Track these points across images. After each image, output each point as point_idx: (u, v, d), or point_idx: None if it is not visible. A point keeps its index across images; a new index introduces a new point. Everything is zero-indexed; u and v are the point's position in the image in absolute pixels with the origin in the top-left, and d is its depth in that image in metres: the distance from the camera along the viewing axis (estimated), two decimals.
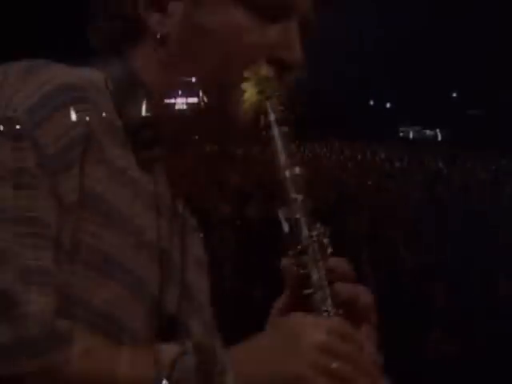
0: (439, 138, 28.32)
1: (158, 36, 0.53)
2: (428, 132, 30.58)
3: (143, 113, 0.53)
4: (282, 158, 0.51)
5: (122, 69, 0.54)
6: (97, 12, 0.56)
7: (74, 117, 0.46)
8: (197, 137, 0.58)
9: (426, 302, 2.88)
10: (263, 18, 0.53)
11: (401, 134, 30.48)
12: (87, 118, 0.47)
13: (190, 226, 0.65)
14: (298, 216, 0.50)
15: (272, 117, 0.52)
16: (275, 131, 0.52)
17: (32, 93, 0.45)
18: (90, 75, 0.52)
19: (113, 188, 0.49)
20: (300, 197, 0.50)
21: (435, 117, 28.29)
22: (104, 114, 0.50)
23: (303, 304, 0.48)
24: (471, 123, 25.44)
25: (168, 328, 0.54)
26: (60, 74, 0.49)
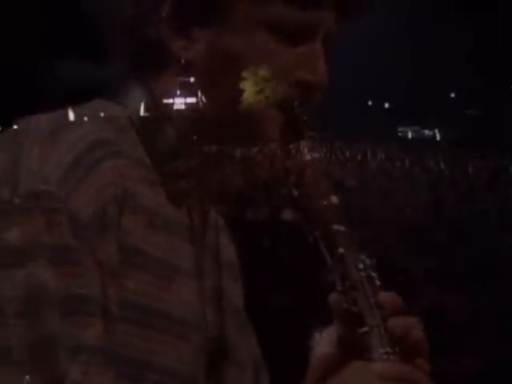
0: (438, 138, 28.34)
1: (183, 61, 0.53)
2: (427, 132, 30.58)
3: (171, 146, 0.53)
4: (318, 187, 0.51)
5: (147, 101, 0.54)
6: (119, 36, 0.55)
7: (105, 177, 0.46)
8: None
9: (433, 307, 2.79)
10: (289, 41, 0.53)
11: (399, 134, 30.52)
12: (119, 174, 0.47)
13: (221, 228, 0.66)
14: (342, 250, 0.49)
15: (304, 146, 0.52)
16: (308, 159, 0.52)
17: (59, 161, 0.44)
18: (112, 117, 0.52)
19: (147, 235, 0.49)
20: (341, 227, 0.49)
21: (434, 117, 28.28)
22: (133, 159, 0.49)
23: (356, 341, 0.48)
24: (469, 123, 25.46)
25: (214, 351, 0.55)
26: (84, 132, 0.48)
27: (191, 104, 0.52)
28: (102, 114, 0.53)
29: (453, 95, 33.18)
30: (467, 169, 9.58)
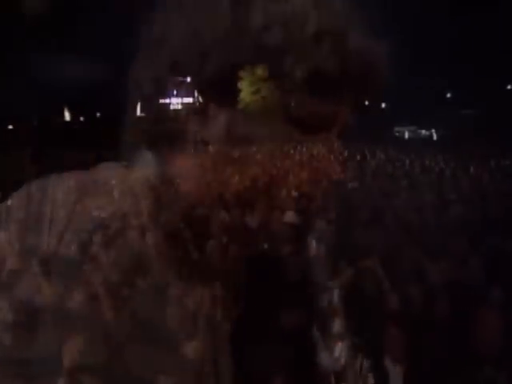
0: (434, 138, 28.47)
1: (198, 138, 0.54)
2: (423, 132, 30.70)
3: (182, 217, 0.55)
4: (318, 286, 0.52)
5: (163, 174, 0.56)
6: (135, 112, 0.57)
7: (121, 249, 0.49)
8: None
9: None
10: (306, 131, 0.54)
11: (396, 134, 30.62)
12: (131, 246, 0.50)
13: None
14: (338, 355, 0.49)
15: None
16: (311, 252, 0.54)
17: (82, 228, 0.49)
18: (130, 185, 0.55)
19: (155, 307, 0.50)
20: (338, 324, 0.50)
21: (430, 117, 28.44)
22: (145, 229, 0.52)
23: None
24: (466, 123, 25.59)
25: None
26: (104, 202, 0.51)
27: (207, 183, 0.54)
28: (118, 182, 0.55)
29: (449, 95, 33.37)
30: (467, 168, 9.57)
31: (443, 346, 2.24)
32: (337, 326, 2.32)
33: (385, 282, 2.85)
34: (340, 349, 2.34)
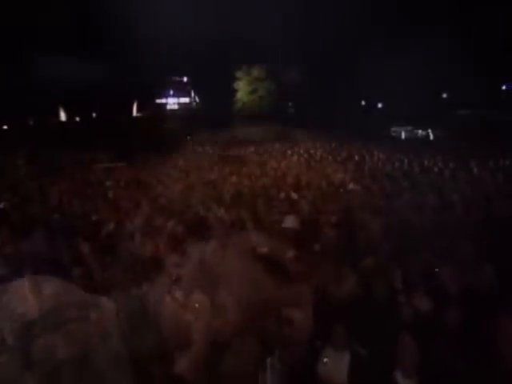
0: (431, 138, 28.55)
1: (174, 278, 0.60)
2: (420, 132, 30.77)
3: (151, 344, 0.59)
4: None
5: (136, 303, 0.63)
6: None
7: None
8: None
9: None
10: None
11: (393, 134, 30.71)
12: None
13: None
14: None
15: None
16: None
17: (34, 313, 0.55)
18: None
19: None
20: None
21: (427, 117, 28.51)
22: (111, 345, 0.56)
23: None
24: (462, 123, 25.67)
25: None
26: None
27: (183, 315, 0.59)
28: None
29: (444, 96, 33.53)
30: (466, 168, 9.55)
31: (459, 359, 2.03)
32: None
33: (398, 287, 2.59)
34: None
